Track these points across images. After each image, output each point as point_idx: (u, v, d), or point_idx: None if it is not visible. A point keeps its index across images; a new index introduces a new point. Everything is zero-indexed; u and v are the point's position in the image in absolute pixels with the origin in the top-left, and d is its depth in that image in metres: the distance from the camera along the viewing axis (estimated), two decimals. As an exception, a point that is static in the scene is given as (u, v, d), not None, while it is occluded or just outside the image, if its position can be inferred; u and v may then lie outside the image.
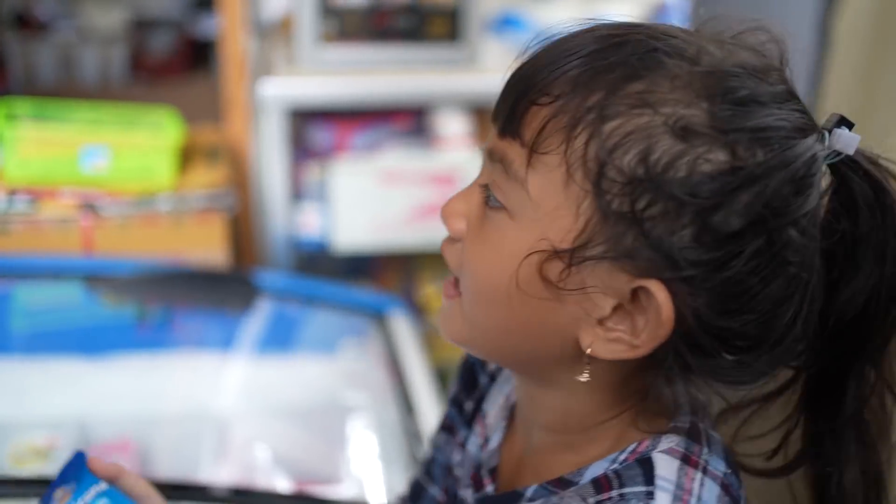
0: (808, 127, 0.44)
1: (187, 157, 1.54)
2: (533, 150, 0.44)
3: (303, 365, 1.32)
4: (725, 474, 0.47)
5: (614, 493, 0.44)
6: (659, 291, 0.42)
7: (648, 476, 0.44)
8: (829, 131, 0.44)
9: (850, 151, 0.45)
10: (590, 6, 2.49)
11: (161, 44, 3.09)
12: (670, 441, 0.46)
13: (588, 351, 0.45)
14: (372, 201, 1.45)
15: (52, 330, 1.32)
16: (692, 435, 0.47)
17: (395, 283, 1.63)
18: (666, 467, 0.45)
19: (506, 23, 2.42)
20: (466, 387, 0.62)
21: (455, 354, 0.59)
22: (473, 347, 0.52)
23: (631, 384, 0.47)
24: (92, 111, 1.56)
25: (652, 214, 0.41)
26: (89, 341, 1.29)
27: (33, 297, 1.35)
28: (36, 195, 1.39)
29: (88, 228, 1.39)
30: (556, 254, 0.43)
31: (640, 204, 0.41)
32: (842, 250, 0.46)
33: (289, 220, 1.45)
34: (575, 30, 0.46)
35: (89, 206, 1.39)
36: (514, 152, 0.45)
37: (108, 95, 2.80)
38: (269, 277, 1.34)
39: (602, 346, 0.44)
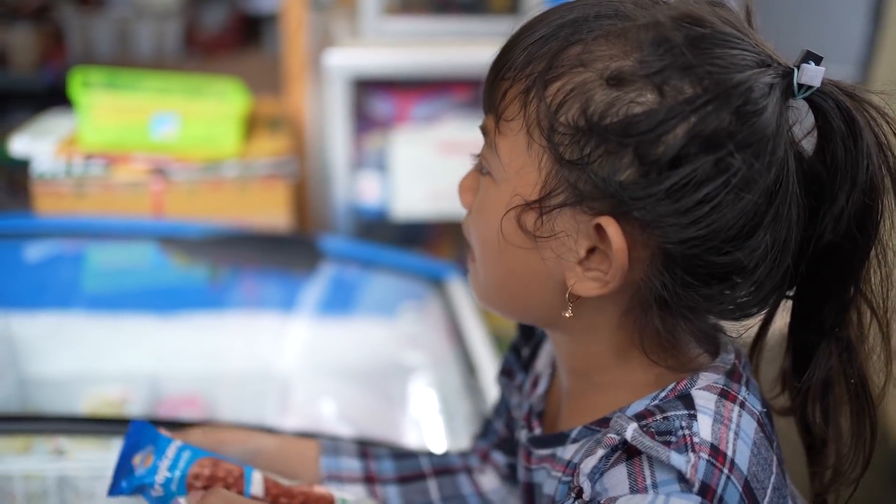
0: (762, 63, 0.46)
1: (250, 126, 1.59)
2: (501, 119, 0.50)
3: (363, 327, 1.36)
4: (761, 413, 0.50)
5: (658, 416, 0.48)
6: (609, 226, 0.47)
7: (689, 405, 0.48)
8: (798, 67, 0.47)
9: (816, 84, 0.47)
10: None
11: (214, 19, 3.14)
12: (708, 378, 0.50)
13: (570, 289, 0.50)
14: (430, 170, 1.48)
15: (125, 288, 1.37)
16: (731, 375, 0.51)
17: (450, 250, 1.66)
18: (705, 399, 0.49)
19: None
20: (525, 334, 0.68)
21: (508, 323, 0.64)
22: (492, 305, 0.57)
23: (637, 324, 0.51)
24: (160, 80, 1.61)
25: (597, 157, 0.46)
26: (160, 300, 1.35)
27: (108, 257, 1.40)
28: (110, 160, 1.44)
29: (159, 192, 1.44)
30: (527, 206, 0.49)
31: (587, 150, 0.46)
32: (823, 179, 0.49)
33: (349, 187, 1.49)
34: (541, 9, 0.52)
35: (159, 171, 1.44)
36: (490, 124, 0.52)
37: (163, 69, 2.87)
38: (331, 241, 1.38)
39: (581, 285, 0.49)
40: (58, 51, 3.07)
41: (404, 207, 1.50)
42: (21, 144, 1.43)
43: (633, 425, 0.46)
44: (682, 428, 0.46)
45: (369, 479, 0.69)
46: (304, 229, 1.56)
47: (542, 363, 0.65)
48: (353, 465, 0.70)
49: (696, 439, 0.45)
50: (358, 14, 1.42)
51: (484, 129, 0.53)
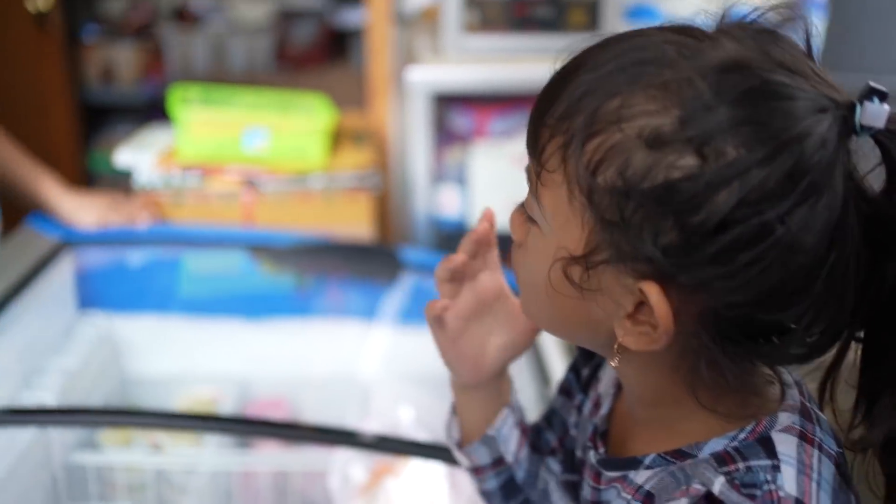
0: (818, 109, 0.43)
1: (336, 139, 1.66)
2: (543, 168, 0.49)
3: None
4: (837, 453, 0.49)
5: (740, 465, 0.47)
6: (651, 291, 0.45)
7: (770, 452, 0.47)
8: (860, 104, 0.44)
9: (880, 125, 0.44)
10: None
11: (303, 34, 3.25)
12: (786, 419, 0.49)
13: (619, 341, 0.49)
14: (508, 183, 1.51)
15: (218, 294, 1.45)
16: (804, 414, 0.50)
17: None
18: (786, 445, 0.48)
19: (640, 12, 2.44)
20: (585, 354, 0.68)
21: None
22: (545, 331, 0.58)
23: (693, 369, 0.49)
24: (252, 96, 1.70)
25: (637, 221, 0.44)
26: (250, 305, 1.42)
27: (202, 264, 1.49)
28: (205, 172, 1.53)
29: (249, 203, 1.52)
30: (573, 260, 0.48)
31: (626, 213, 0.45)
32: (890, 219, 0.46)
33: (429, 199, 1.54)
34: (577, 49, 0.50)
35: (250, 183, 1.52)
36: (533, 170, 0.51)
37: (255, 83, 2.99)
38: (411, 252, 1.43)
39: (631, 339, 0.48)
40: (157, 66, 3.23)
41: (482, 219, 1.53)
42: (124, 157, 1.53)
43: (721, 479, 0.46)
44: (766, 482, 0.46)
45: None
46: (386, 240, 1.62)
47: (604, 385, 0.65)
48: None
49: (781, 493, 0.45)
50: (439, 32, 1.46)
51: (528, 175, 0.53)
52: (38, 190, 1.36)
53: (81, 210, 1.37)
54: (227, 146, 1.54)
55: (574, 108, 0.47)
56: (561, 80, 0.50)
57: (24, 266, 1.28)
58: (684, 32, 0.48)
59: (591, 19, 1.45)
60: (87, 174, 3.24)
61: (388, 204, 1.67)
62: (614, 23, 1.45)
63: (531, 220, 0.52)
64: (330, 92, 2.85)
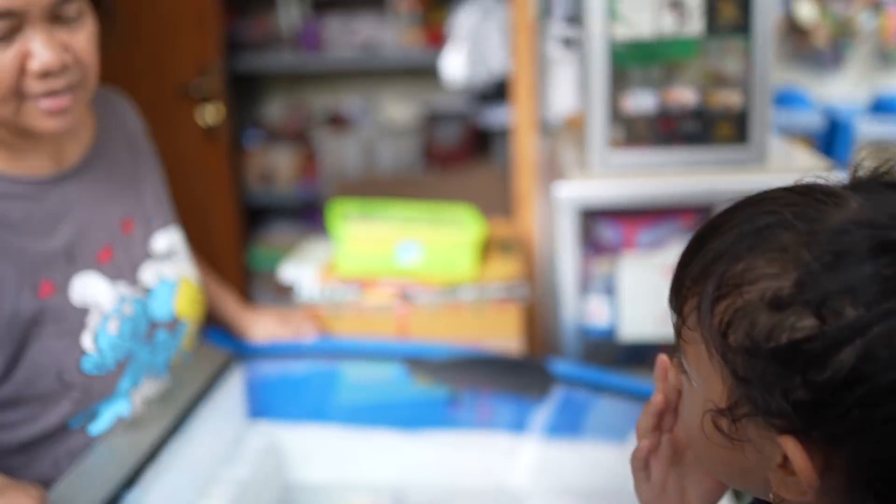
0: None
1: (485, 247, 1.71)
2: (685, 325, 0.53)
3: (592, 450, 1.40)
4: None
5: None
6: (788, 447, 0.47)
7: None
8: None
9: None
10: (868, 80, 2.41)
11: (449, 134, 3.38)
12: None
13: (773, 490, 0.50)
14: (657, 293, 1.52)
15: (374, 404, 1.51)
16: None
17: (678, 370, 1.67)
18: None
19: (789, 99, 2.41)
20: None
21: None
22: (714, 476, 0.60)
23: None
24: (404, 208, 1.79)
25: (768, 379, 0.47)
26: (404, 416, 1.47)
27: (359, 375, 1.56)
28: (361, 285, 1.61)
29: (403, 315, 1.59)
30: (719, 412, 0.51)
31: (757, 371, 0.47)
32: None
33: (578, 309, 1.56)
34: (726, 206, 0.54)
35: (404, 295, 1.59)
36: (678, 325, 0.55)
37: (403, 182, 3.13)
38: (561, 365, 1.44)
39: (783, 489, 0.50)
40: (312, 168, 3.43)
41: (632, 329, 1.54)
42: (288, 272, 1.64)
43: None
44: None
45: None
46: (535, 350, 1.64)
47: None
48: None
49: None
50: (584, 147, 1.51)
51: (675, 330, 0.57)
52: (216, 305, 1.47)
53: (253, 325, 1.48)
54: (383, 260, 1.63)
55: (706, 272, 0.51)
56: (697, 242, 0.55)
57: (200, 378, 1.39)
58: (809, 193, 0.51)
59: (739, 132, 1.45)
60: (246, 271, 3.46)
61: (536, 314, 1.70)
62: (764, 134, 1.45)
63: (684, 371, 0.55)
64: (475, 190, 2.95)
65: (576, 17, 1.63)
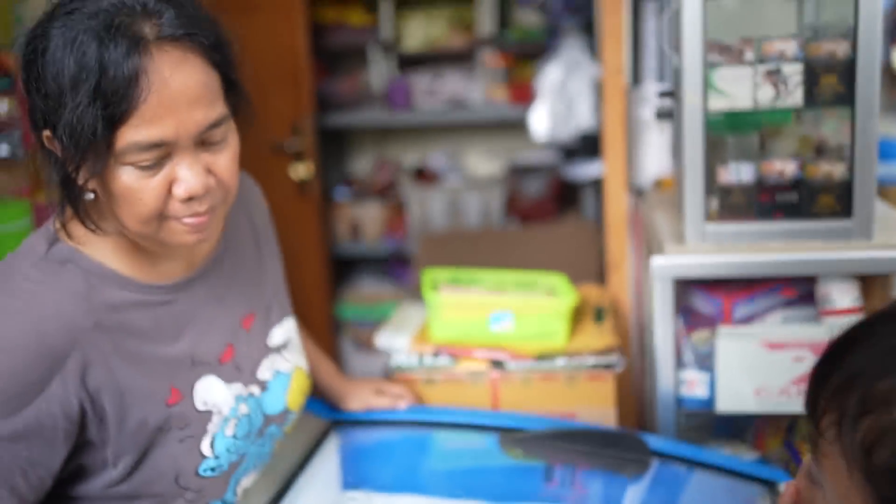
0: None
1: (577, 314, 1.71)
2: (822, 437, 0.52)
3: (691, 529, 1.37)
4: None
5: None
6: None
7: None
8: None
9: None
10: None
11: (534, 187, 3.40)
12: None
13: None
14: (755, 366, 1.48)
15: (466, 475, 1.51)
16: None
17: (775, 445, 1.62)
18: None
19: (883, 150, 2.33)
20: None
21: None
22: None
23: None
24: (496, 275, 1.80)
25: None
26: (497, 488, 1.46)
27: (451, 444, 1.56)
28: (454, 353, 1.62)
29: (496, 384, 1.59)
30: None
31: None
32: None
33: (673, 380, 1.53)
34: (853, 327, 0.53)
35: (497, 364, 1.59)
36: (814, 435, 0.54)
37: (488, 235, 3.15)
38: (656, 440, 1.42)
39: None
40: (399, 221, 3.49)
41: (729, 402, 1.50)
42: (383, 340, 1.67)
43: None
44: None
45: None
46: (629, 421, 1.62)
47: None
48: None
49: None
50: (681, 220, 1.49)
51: (809, 440, 0.56)
52: (316, 374, 1.50)
53: (350, 396, 1.51)
54: (475, 328, 1.64)
55: (847, 386, 0.51)
56: (834, 355, 0.54)
57: (299, 448, 1.42)
58: None
59: (842, 204, 1.42)
60: (335, 321, 3.52)
61: (630, 385, 1.68)
62: (868, 205, 1.42)
63: (815, 481, 0.55)
64: (560, 243, 2.95)
65: (669, 91, 1.63)
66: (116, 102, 0.88)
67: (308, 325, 3.33)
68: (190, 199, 0.96)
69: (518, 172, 3.40)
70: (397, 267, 3.60)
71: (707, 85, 1.41)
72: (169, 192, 0.96)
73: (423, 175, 3.52)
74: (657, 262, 1.48)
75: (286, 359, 1.25)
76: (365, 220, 3.45)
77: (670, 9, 1.54)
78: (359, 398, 1.51)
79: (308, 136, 3.20)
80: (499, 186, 3.36)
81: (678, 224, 1.60)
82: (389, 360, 1.64)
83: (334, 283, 3.52)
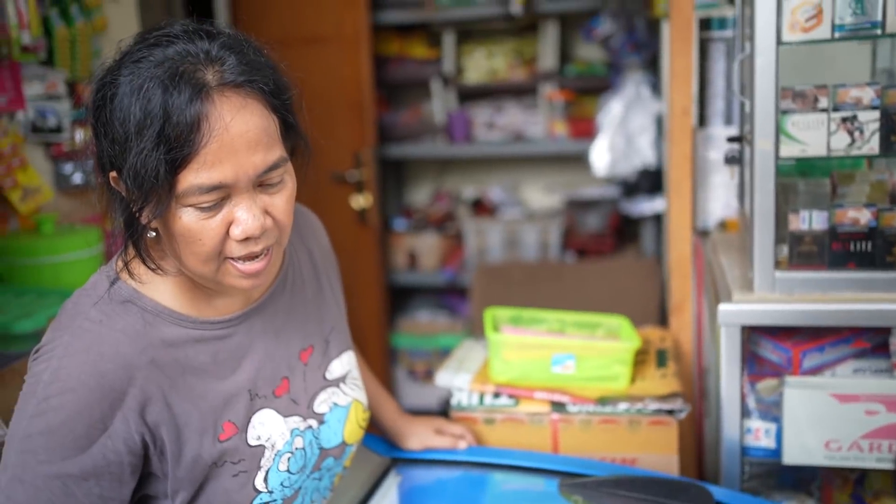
0: None
1: (639, 357, 1.68)
2: None
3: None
4: None
5: None
6: None
7: None
8: None
9: None
10: None
11: (592, 221, 3.38)
12: None
13: None
14: (824, 418, 1.45)
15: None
16: None
17: (843, 499, 1.58)
18: None
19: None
20: None
21: None
22: None
23: None
24: (557, 316, 1.79)
25: None
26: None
27: (509, 486, 1.55)
28: (514, 394, 1.62)
29: (556, 426, 1.58)
30: None
31: None
32: None
33: (738, 429, 1.50)
34: None
35: (558, 406, 1.58)
36: None
37: (545, 268, 3.14)
38: (721, 492, 1.39)
39: None
40: (456, 252, 3.50)
41: (796, 454, 1.47)
42: (444, 378, 1.67)
43: None
44: None
45: None
46: (691, 469, 1.59)
47: None
48: None
49: None
50: (750, 266, 1.47)
51: None
52: (377, 411, 1.51)
53: (410, 435, 1.51)
54: (537, 369, 1.63)
55: None
56: None
57: (359, 483, 1.43)
58: None
59: (918, 255, 1.39)
60: (390, 350, 3.53)
61: (693, 432, 1.66)
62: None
63: None
64: (617, 277, 2.92)
65: (738, 136, 1.61)
66: (179, 147, 0.92)
67: (364, 353, 3.35)
68: (247, 239, 0.99)
69: (576, 206, 3.39)
70: (453, 297, 3.61)
71: (779, 131, 1.40)
72: (227, 232, 0.98)
73: (481, 207, 3.53)
74: (725, 308, 1.46)
75: (344, 392, 1.26)
76: (422, 250, 3.47)
77: (742, 53, 1.53)
78: (419, 437, 1.51)
79: (369, 167, 3.24)
80: (556, 220, 3.35)
81: (746, 270, 1.58)
82: (452, 399, 1.64)
83: (390, 310, 3.54)
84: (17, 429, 1.00)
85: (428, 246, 3.46)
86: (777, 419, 1.51)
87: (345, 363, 1.29)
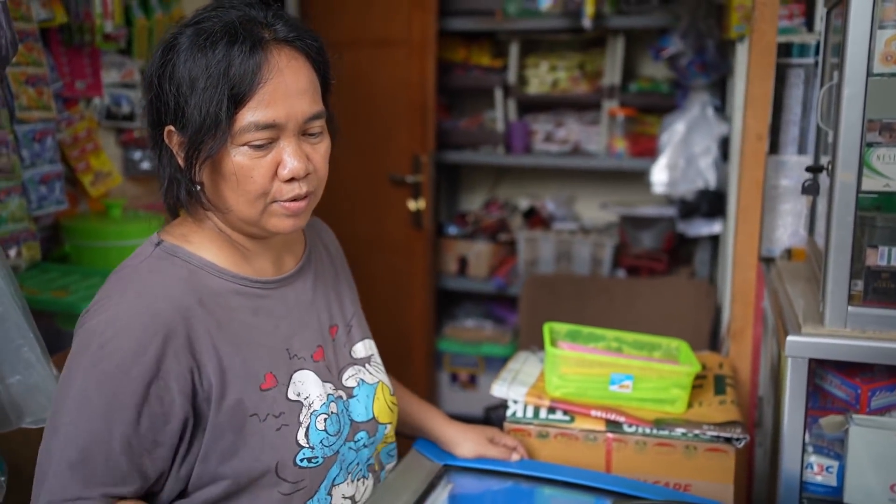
0: None
1: (697, 382, 1.66)
2: None
3: None
4: None
5: None
6: None
7: None
8: None
9: None
10: None
11: (647, 239, 3.35)
12: None
13: None
14: (891, 461, 1.42)
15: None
16: None
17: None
18: None
19: None
20: None
21: None
22: None
23: None
24: (615, 334, 1.78)
25: None
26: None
27: (558, 502, 1.54)
28: (569, 410, 1.61)
29: (610, 445, 1.56)
30: None
31: None
32: None
33: (799, 465, 1.48)
34: None
35: (613, 425, 1.57)
36: None
37: (595, 282, 3.12)
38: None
39: None
40: (506, 261, 3.50)
41: (858, 495, 1.44)
42: (499, 389, 1.66)
43: None
44: None
45: None
46: (739, 497, 1.57)
47: None
48: None
49: None
50: (823, 300, 1.45)
51: None
52: (424, 419, 1.53)
53: (461, 442, 1.51)
54: (594, 387, 1.62)
55: None
56: None
57: (412, 487, 1.43)
58: None
59: None
60: (436, 354, 3.54)
61: (745, 462, 1.63)
62: None
63: None
64: (669, 297, 2.89)
65: (818, 166, 1.59)
66: (240, 86, 1.04)
67: (408, 355, 3.37)
68: (292, 180, 1.09)
69: (631, 223, 3.36)
70: (500, 306, 3.60)
71: (863, 164, 1.37)
72: (274, 174, 1.09)
73: (535, 218, 3.52)
74: (793, 340, 1.44)
75: (370, 372, 1.32)
76: (473, 257, 3.47)
77: (829, 82, 1.51)
78: (472, 446, 1.51)
79: (427, 172, 3.25)
80: (610, 236, 3.33)
81: (814, 301, 1.55)
82: (507, 411, 1.64)
83: (437, 314, 3.54)
84: (73, 383, 1.04)
85: (479, 253, 3.46)
86: (839, 456, 1.48)
87: (368, 348, 1.36)
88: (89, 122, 2.22)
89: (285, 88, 1.07)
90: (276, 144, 1.09)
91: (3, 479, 1.31)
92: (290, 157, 1.08)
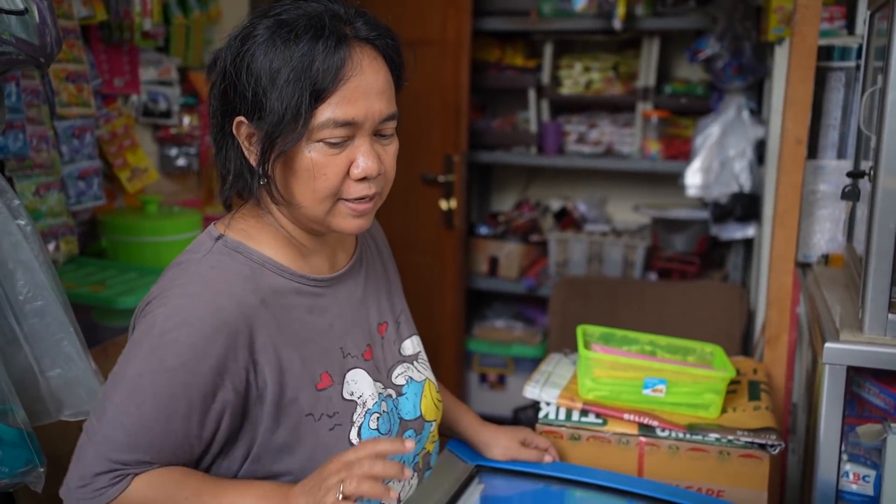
0: None
1: (730, 388, 1.65)
2: None
3: None
4: None
5: None
6: None
7: None
8: None
9: None
10: None
11: (679, 242, 3.32)
12: None
13: None
14: (928, 470, 1.40)
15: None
16: None
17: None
18: None
19: None
20: None
21: None
22: None
23: None
24: (649, 338, 1.77)
25: None
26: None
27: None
28: (602, 413, 1.60)
29: (643, 449, 1.55)
30: None
31: None
32: None
33: (835, 474, 1.46)
34: None
35: (646, 429, 1.56)
36: None
37: (627, 285, 3.10)
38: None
39: None
40: (537, 262, 3.49)
41: (895, 505, 1.42)
42: (532, 391, 1.66)
43: None
44: None
45: None
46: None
47: None
48: None
49: None
50: (862, 307, 1.43)
51: None
52: (457, 420, 1.53)
53: (494, 443, 1.51)
54: (627, 390, 1.61)
55: None
56: None
57: (445, 488, 1.43)
58: None
59: None
60: (465, 354, 3.54)
61: (778, 468, 1.61)
62: None
63: None
64: (700, 301, 2.87)
65: (859, 172, 1.56)
66: (322, 81, 1.03)
67: (438, 354, 3.37)
68: (363, 179, 1.08)
69: (663, 225, 3.34)
70: (530, 307, 3.60)
71: (905, 170, 1.35)
72: (346, 172, 1.08)
73: (567, 219, 3.51)
74: (831, 347, 1.42)
75: (418, 370, 1.33)
76: (504, 258, 3.46)
77: (873, 86, 1.48)
78: (504, 447, 1.51)
79: (459, 172, 3.25)
80: (642, 238, 3.31)
81: (852, 308, 1.53)
82: (539, 412, 1.63)
83: (467, 313, 3.54)
84: (129, 367, 1.05)
85: (510, 253, 3.46)
86: (876, 466, 1.46)
87: (415, 344, 1.36)
88: (127, 118, 2.25)
89: (365, 87, 1.06)
90: (351, 143, 1.07)
91: (42, 469, 1.33)
92: (363, 157, 1.07)
